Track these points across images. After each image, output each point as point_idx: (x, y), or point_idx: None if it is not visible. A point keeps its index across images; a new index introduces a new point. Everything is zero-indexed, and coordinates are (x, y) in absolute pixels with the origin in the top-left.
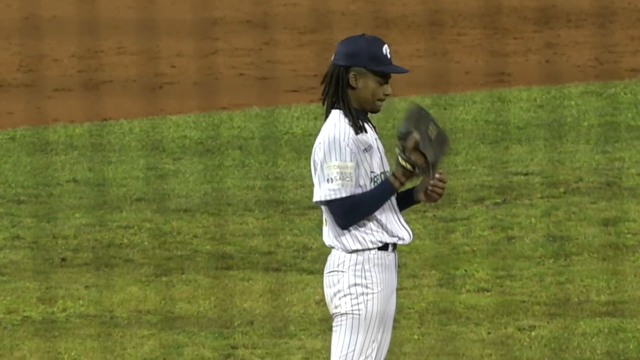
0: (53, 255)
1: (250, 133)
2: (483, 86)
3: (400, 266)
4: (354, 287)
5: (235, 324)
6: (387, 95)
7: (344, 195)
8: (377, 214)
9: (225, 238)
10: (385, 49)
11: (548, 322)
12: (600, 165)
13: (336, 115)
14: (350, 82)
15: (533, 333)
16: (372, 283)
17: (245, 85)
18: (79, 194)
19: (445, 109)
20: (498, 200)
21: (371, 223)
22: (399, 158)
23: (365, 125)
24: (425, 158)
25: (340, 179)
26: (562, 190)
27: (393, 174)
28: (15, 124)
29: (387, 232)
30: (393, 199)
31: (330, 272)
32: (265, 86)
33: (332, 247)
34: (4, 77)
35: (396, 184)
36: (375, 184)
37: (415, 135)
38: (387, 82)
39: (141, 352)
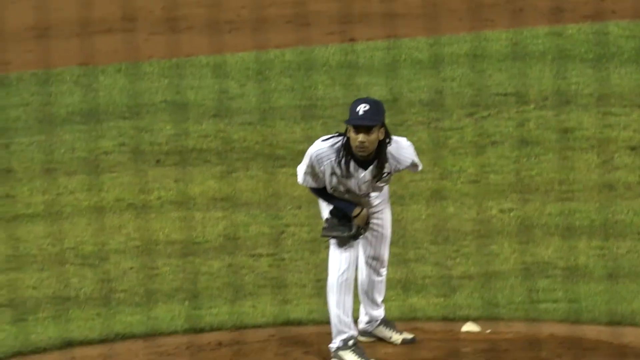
0: (150, 157)
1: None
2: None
3: None
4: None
5: (287, 208)
6: (361, 142)
7: (301, 183)
8: None
9: (278, 144)
10: (360, 107)
11: (522, 205)
12: (560, 89)
13: (333, 140)
14: (346, 132)
15: (511, 214)
16: None
17: None
18: (168, 111)
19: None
20: (484, 114)
21: None
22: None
23: (351, 164)
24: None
25: (304, 172)
26: (532, 106)
27: (359, 212)
28: (119, 60)
29: None
30: None
31: None
32: None
33: None
34: None
35: (356, 211)
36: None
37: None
38: (357, 133)
39: (217, 229)
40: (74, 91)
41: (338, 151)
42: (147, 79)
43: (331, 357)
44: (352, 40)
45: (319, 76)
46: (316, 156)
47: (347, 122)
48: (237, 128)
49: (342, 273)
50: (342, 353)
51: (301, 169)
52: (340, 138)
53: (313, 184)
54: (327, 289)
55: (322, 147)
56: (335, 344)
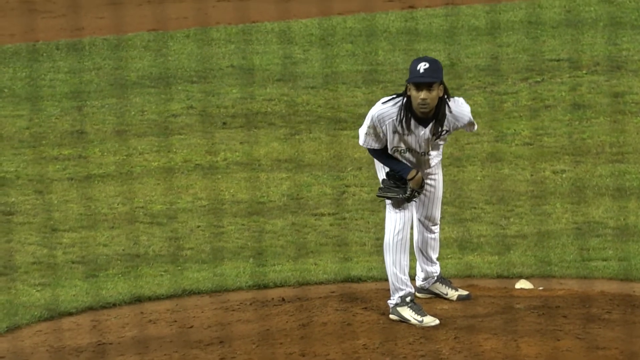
0: (216, 120)
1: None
2: None
3: None
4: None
5: (348, 169)
6: (423, 99)
7: (363, 145)
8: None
9: (340, 107)
10: (420, 66)
11: (574, 167)
12: (611, 54)
13: (394, 100)
14: (406, 91)
15: (564, 175)
16: None
17: None
18: (235, 75)
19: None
20: (538, 79)
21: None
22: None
23: (411, 122)
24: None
25: (365, 133)
26: (584, 72)
27: (414, 175)
28: (188, 26)
29: None
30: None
31: None
32: None
33: None
34: None
35: (412, 174)
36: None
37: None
38: (419, 90)
39: (281, 189)
40: (144, 56)
41: (399, 110)
42: (214, 44)
43: (390, 313)
44: (411, 7)
45: (380, 42)
46: (377, 116)
47: (409, 80)
48: (300, 92)
49: (397, 233)
50: (400, 309)
51: (362, 130)
52: (400, 98)
53: (374, 145)
54: (383, 249)
55: (384, 108)
56: (393, 300)
